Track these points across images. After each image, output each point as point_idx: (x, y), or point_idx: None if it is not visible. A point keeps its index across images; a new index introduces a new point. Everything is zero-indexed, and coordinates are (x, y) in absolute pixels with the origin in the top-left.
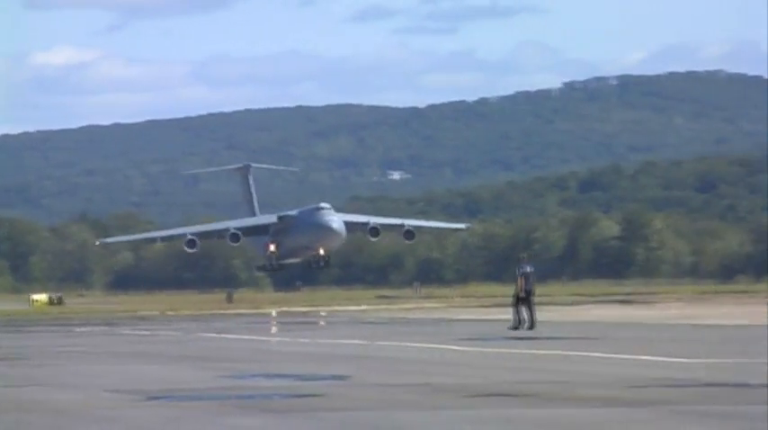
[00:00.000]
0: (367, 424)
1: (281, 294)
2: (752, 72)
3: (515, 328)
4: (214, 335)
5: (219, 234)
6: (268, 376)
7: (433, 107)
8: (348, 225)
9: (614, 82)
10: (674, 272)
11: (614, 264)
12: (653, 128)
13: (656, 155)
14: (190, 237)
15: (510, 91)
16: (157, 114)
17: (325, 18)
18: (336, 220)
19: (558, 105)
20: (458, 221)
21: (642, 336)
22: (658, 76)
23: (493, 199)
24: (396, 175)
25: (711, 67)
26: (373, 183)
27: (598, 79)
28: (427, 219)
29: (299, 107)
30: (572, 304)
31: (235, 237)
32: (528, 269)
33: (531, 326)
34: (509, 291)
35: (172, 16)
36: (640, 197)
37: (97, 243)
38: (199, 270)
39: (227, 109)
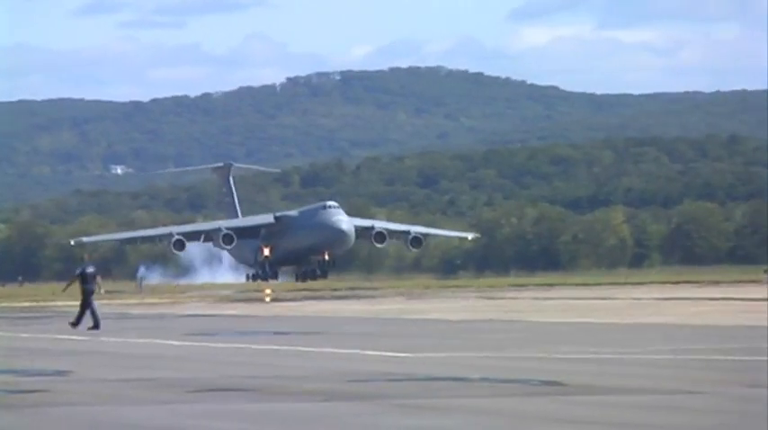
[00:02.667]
0: (90, 419)
1: (2, 289)
2: (473, 69)
3: (94, 327)
4: None
5: (208, 235)
6: None
7: (155, 101)
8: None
9: (337, 77)
10: (396, 266)
11: (337, 259)
12: (375, 123)
13: (379, 150)
14: (177, 237)
15: (234, 86)
16: None
17: (52, 11)
18: (346, 221)
19: (282, 100)
20: None
21: (364, 331)
22: (381, 72)
23: (217, 194)
24: (118, 170)
25: (433, 64)
26: (96, 178)
27: (321, 74)
28: (151, 213)
29: (22, 101)
30: (292, 300)
31: (228, 239)
32: (89, 269)
33: (95, 326)
34: (238, 286)
35: None
36: (363, 192)
37: (72, 242)
38: None
39: None
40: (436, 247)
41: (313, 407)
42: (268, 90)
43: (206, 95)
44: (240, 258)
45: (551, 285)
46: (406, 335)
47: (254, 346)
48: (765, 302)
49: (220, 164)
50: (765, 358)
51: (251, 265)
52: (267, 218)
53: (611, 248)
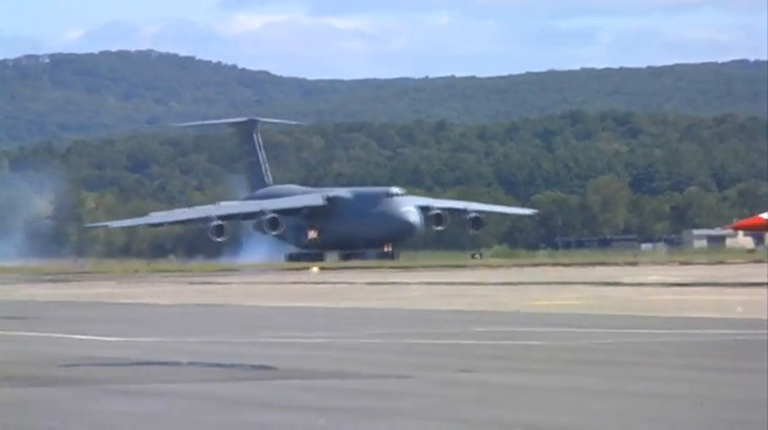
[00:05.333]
0: None
1: None
2: (184, 53)
3: None
4: None
5: (248, 217)
6: None
7: None
8: None
9: (46, 60)
10: (106, 251)
11: (49, 244)
12: (85, 107)
13: (89, 134)
14: (217, 222)
15: None
16: None
17: None
18: (414, 212)
19: None
20: None
21: (73, 315)
22: (91, 55)
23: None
24: None
25: (144, 47)
26: None
27: (30, 57)
28: None
29: None
30: (5, 283)
31: (273, 224)
32: None
33: None
34: None
35: None
36: (73, 176)
37: (95, 225)
38: None
39: None
40: (146, 232)
41: (20, 393)
42: None
43: None
44: (278, 237)
45: (266, 269)
46: (116, 319)
47: None
48: (473, 286)
49: (243, 119)
50: (474, 342)
51: (294, 244)
52: (315, 198)
53: None
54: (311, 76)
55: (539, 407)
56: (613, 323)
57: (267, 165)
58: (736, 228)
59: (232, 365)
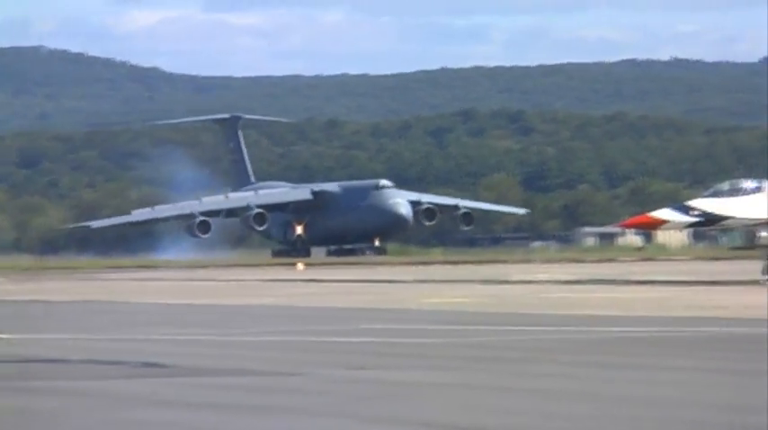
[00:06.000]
0: None
1: None
2: (75, 49)
3: None
4: None
5: (233, 213)
6: None
7: None
8: None
9: None
10: None
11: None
12: None
13: None
14: (201, 218)
15: None
16: None
17: None
18: (404, 204)
19: None
20: None
21: None
22: None
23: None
24: None
25: (36, 43)
26: None
27: None
28: None
29: None
30: None
31: (260, 219)
32: None
33: None
34: None
35: None
36: None
37: (71, 226)
38: None
39: None
40: (38, 228)
41: None
42: None
43: None
44: (263, 233)
45: (152, 267)
46: (3, 316)
47: None
48: (360, 283)
49: (226, 116)
50: (366, 339)
51: (280, 241)
52: (302, 192)
53: None
54: (204, 73)
55: (431, 404)
56: (505, 320)
57: (249, 163)
58: (626, 226)
59: (123, 362)
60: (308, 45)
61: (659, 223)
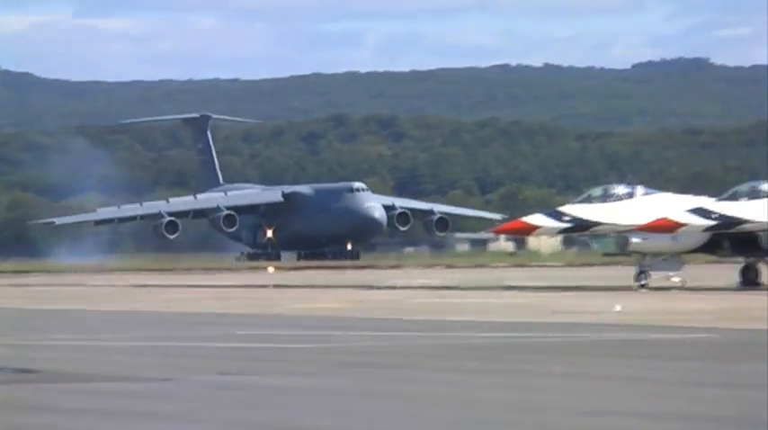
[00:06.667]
0: None
1: None
2: None
3: None
4: None
5: (200, 213)
6: None
7: None
8: None
9: None
10: None
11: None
12: None
13: None
14: (169, 218)
15: None
16: None
17: None
18: (378, 208)
19: None
20: None
21: None
22: None
23: None
24: None
25: None
26: None
27: None
28: None
29: None
30: None
31: (230, 221)
32: None
33: None
34: None
35: None
36: None
37: (38, 222)
38: None
39: None
40: None
41: None
42: None
43: None
44: (232, 236)
45: (26, 272)
46: None
47: None
48: (237, 289)
49: (196, 115)
50: (235, 344)
51: (248, 245)
52: (273, 194)
53: None
54: (75, 78)
55: (299, 410)
56: (375, 326)
57: (218, 163)
58: (498, 232)
59: None
60: (179, 50)
61: (532, 229)
